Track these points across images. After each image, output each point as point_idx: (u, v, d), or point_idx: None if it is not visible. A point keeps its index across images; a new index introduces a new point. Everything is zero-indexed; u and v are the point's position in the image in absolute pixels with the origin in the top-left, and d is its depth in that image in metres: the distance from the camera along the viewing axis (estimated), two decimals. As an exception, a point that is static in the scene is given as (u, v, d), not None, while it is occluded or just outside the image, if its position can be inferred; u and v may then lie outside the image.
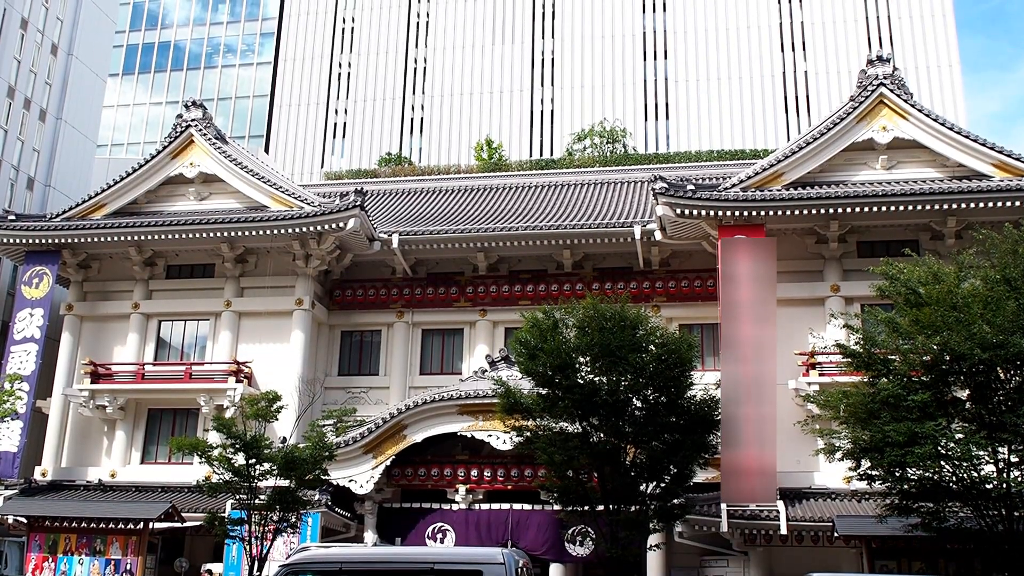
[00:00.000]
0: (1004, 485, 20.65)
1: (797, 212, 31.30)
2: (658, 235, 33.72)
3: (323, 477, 27.93)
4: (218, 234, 35.58)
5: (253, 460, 26.34)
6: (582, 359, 24.48)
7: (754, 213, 31.31)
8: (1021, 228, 22.11)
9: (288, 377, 34.65)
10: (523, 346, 24.87)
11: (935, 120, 32.34)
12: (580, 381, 24.25)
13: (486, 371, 32.10)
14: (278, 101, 77.19)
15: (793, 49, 70.32)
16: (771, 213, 31.34)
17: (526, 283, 37.21)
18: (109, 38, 58.62)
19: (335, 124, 75.84)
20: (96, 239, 36.84)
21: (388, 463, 31.49)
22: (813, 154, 32.50)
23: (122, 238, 36.55)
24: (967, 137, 31.87)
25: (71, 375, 37.79)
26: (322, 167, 72.77)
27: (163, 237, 36.10)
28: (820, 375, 30.50)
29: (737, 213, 31.35)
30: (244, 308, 37.20)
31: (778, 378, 29.89)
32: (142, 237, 36.36)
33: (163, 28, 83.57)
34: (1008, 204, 30.08)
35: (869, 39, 69.16)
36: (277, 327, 36.50)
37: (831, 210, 31.23)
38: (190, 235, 35.81)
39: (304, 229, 35.03)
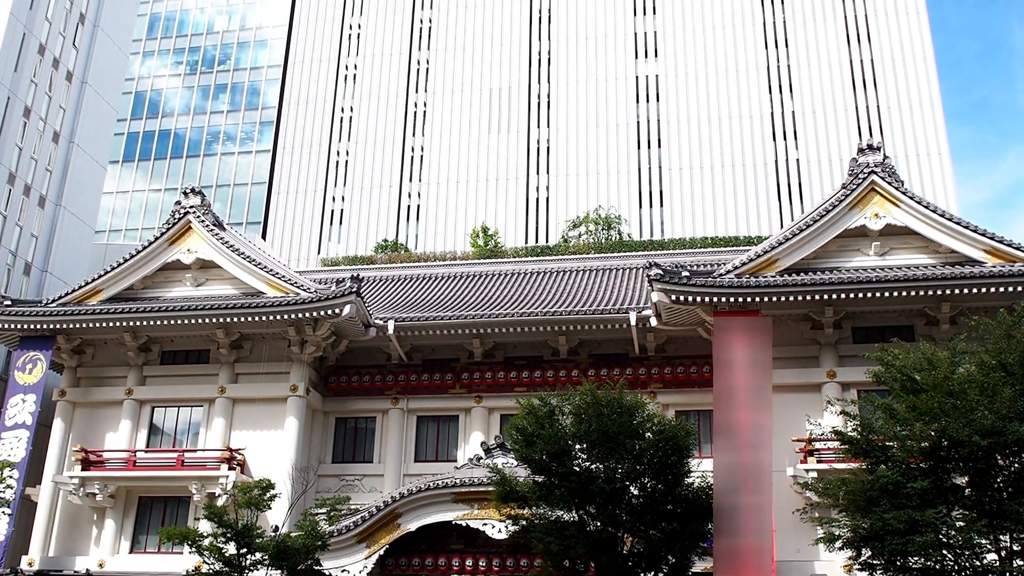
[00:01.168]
0: (1007, 574, 20.33)
1: (792, 298, 31.41)
2: (653, 321, 33.76)
3: (316, 567, 27.42)
4: (214, 320, 35.55)
5: (244, 549, 25.90)
6: (578, 446, 24.29)
7: (749, 299, 31.41)
8: (1014, 313, 22.19)
9: (281, 464, 34.29)
10: (519, 433, 24.69)
11: (926, 207, 32.70)
12: (576, 468, 24.02)
13: (481, 458, 31.76)
14: (276, 188, 78.00)
15: (785, 137, 71.41)
16: (766, 299, 31.44)
17: (522, 370, 37.09)
18: (110, 126, 59.42)
19: (332, 211, 76.50)
20: (91, 325, 36.76)
21: (381, 552, 30.94)
22: (806, 241, 32.76)
23: (117, 324, 36.47)
24: (958, 223, 32.18)
25: (62, 462, 37.36)
26: (319, 253, 73.19)
27: (159, 323, 36.05)
28: (818, 462, 30.22)
29: (732, 299, 31.45)
30: (238, 394, 36.98)
31: (775, 465, 29.62)
32: (138, 323, 36.30)
33: (164, 116, 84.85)
34: (1001, 290, 30.22)
35: (859, 127, 70.33)
36: (271, 413, 36.25)
37: (825, 296, 31.34)
38: (186, 321, 35.76)
39: (300, 315, 35.05)
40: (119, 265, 38.42)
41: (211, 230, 38.19)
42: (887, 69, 71.52)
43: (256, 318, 35.27)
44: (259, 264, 37.20)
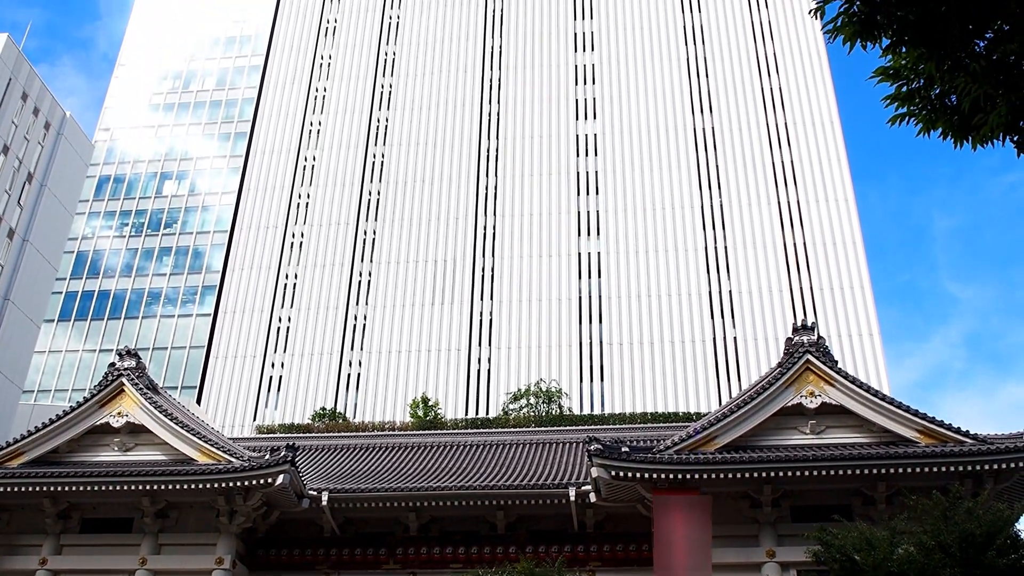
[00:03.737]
0: None
1: (730, 476, 31.30)
2: (593, 497, 33.29)
3: None
4: (140, 487, 34.27)
5: None
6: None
7: (688, 476, 31.24)
8: (949, 494, 22.29)
9: (201, 643, 32.43)
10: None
11: (860, 387, 33.25)
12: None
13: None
14: (215, 352, 77.13)
15: (723, 315, 72.94)
16: (705, 476, 31.28)
17: (458, 545, 36.07)
18: (49, 285, 59.03)
19: (271, 377, 75.62)
20: (8, 489, 35.19)
21: None
22: (744, 418, 32.95)
23: (37, 488, 34.95)
24: (892, 403, 32.70)
25: (-37, 638, 35.00)
26: (255, 420, 71.79)
27: (82, 488, 34.63)
28: (760, 647, 29.40)
29: (671, 476, 31.25)
30: (160, 566, 35.29)
31: (717, 650, 28.74)
32: (59, 488, 34.84)
33: (105, 277, 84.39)
34: (935, 470, 30.46)
35: (794, 307, 72.22)
36: (194, 587, 34.54)
37: (763, 474, 31.29)
38: (111, 487, 34.41)
39: (231, 484, 33.97)
40: (45, 427, 37.19)
41: (145, 394, 37.34)
42: (819, 252, 74.19)
43: (185, 486, 34.09)
44: (191, 430, 36.27)
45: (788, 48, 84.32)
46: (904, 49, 9.24)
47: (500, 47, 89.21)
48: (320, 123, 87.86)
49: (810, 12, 9.72)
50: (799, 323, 35.63)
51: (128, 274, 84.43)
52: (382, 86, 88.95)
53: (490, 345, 74.28)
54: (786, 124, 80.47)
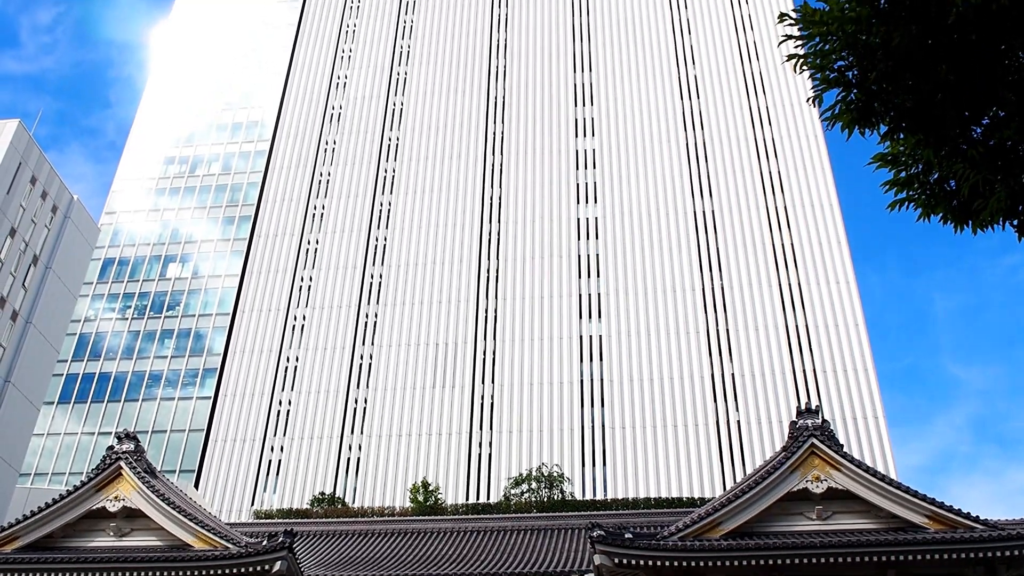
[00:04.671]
0: None
1: (735, 563, 30.75)
2: (596, 584, 32.66)
3: None
4: (134, 574, 33.67)
5: None
6: None
7: (692, 563, 30.69)
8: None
9: None
10: None
11: (867, 471, 32.86)
12: None
13: None
14: (214, 435, 76.59)
15: (726, 399, 72.54)
16: (709, 563, 30.74)
17: (458, 633, 35.29)
18: (50, 367, 58.88)
19: (270, 461, 74.93)
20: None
21: None
22: (749, 503, 32.51)
23: (27, 574, 34.34)
24: (899, 488, 32.28)
25: None
26: (253, 505, 70.93)
27: (75, 575, 34.04)
28: None
29: (675, 563, 30.71)
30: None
31: None
32: (51, 574, 34.24)
33: (106, 359, 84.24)
34: (946, 556, 29.92)
35: (797, 390, 71.85)
36: None
37: (769, 561, 30.75)
38: (104, 574, 33.82)
39: (227, 571, 33.38)
40: (40, 511, 36.73)
41: (143, 478, 36.96)
42: (821, 334, 74.10)
43: (180, 574, 33.50)
44: (188, 515, 35.80)
45: (787, 133, 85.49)
46: (902, 135, 9.35)
47: (502, 133, 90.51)
48: (324, 206, 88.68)
49: (808, 100, 9.86)
50: (803, 406, 35.40)
51: (129, 356, 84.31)
52: (385, 170, 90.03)
53: (491, 429, 73.75)
54: (786, 207, 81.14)
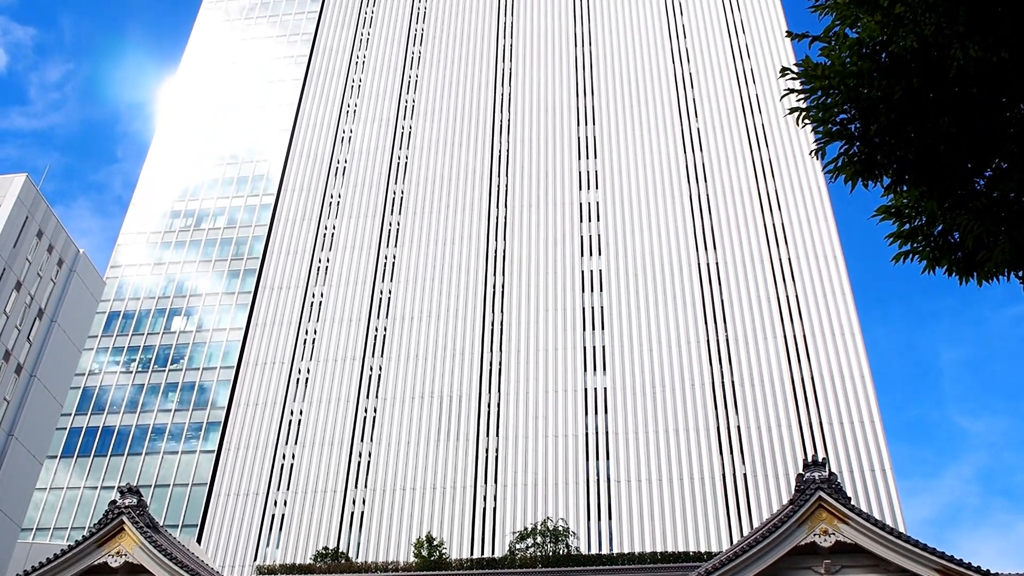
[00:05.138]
0: None
1: (745, 618, 30.36)
2: (603, 640, 32.22)
3: None
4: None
5: None
6: None
7: (701, 619, 30.29)
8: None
9: None
10: None
11: (875, 525, 32.56)
12: None
13: None
14: (217, 490, 76.09)
15: (731, 452, 72.06)
16: (718, 619, 30.34)
17: None
18: (53, 421, 58.70)
19: (273, 515, 74.35)
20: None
21: None
22: (756, 558, 32.17)
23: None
24: (908, 542, 31.95)
25: None
26: (255, 560, 70.24)
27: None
28: None
29: (684, 618, 30.31)
30: None
31: None
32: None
33: (109, 413, 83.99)
34: (957, 614, 29.52)
35: (804, 443, 71.37)
36: None
37: (779, 617, 30.35)
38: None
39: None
40: (41, 567, 36.43)
41: (145, 533, 36.71)
42: (827, 386, 73.78)
43: (182, 629, 33.13)
44: (191, 571, 35.48)
45: (790, 184, 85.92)
46: (905, 188, 9.41)
47: (506, 185, 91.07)
48: (328, 260, 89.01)
49: (811, 153, 9.95)
50: (810, 458, 35.18)
51: (133, 410, 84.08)
52: (390, 224, 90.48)
53: (496, 482, 73.21)
54: (790, 258, 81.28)
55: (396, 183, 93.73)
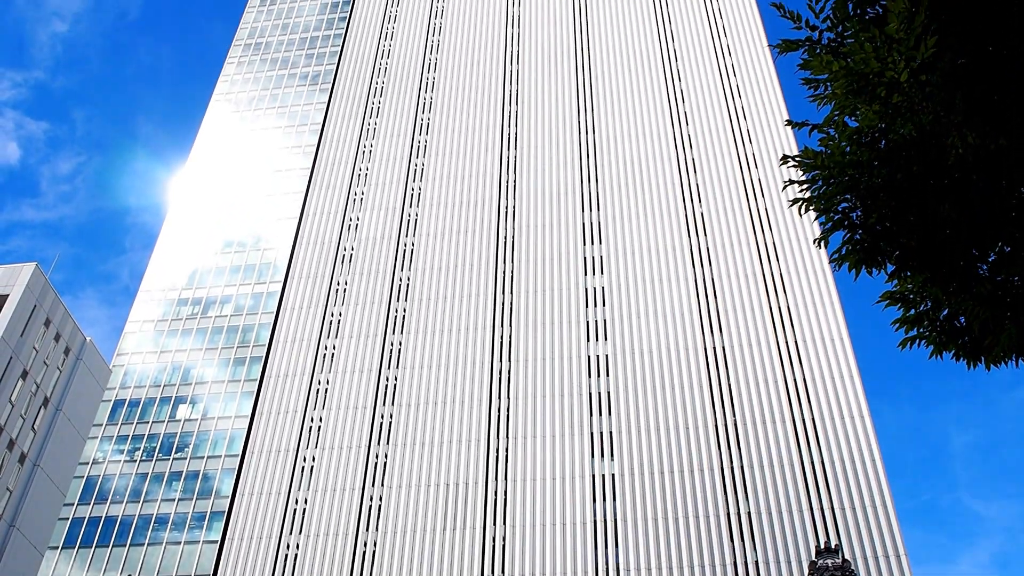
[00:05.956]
0: None
1: None
2: None
3: None
4: None
5: None
6: None
7: None
8: None
9: None
10: None
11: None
12: None
13: None
14: (220, 581, 74.90)
15: (743, 537, 70.93)
16: None
17: None
18: (56, 511, 58.13)
19: (276, 607, 73.02)
20: None
21: None
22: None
23: None
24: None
25: None
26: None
27: None
28: None
29: None
30: None
31: None
32: None
33: (112, 502, 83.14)
34: None
35: (815, 529, 70.24)
36: None
37: None
38: None
39: None
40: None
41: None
42: (838, 471, 72.94)
43: None
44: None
45: (795, 268, 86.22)
46: (909, 273, 9.45)
47: (512, 272, 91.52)
48: (335, 347, 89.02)
49: (814, 241, 10.03)
50: (822, 545, 34.62)
51: (136, 499, 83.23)
52: (396, 310, 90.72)
53: (503, 572, 71.99)
54: (796, 343, 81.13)
55: (403, 270, 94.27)
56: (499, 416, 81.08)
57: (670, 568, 69.96)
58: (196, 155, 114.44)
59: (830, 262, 9.55)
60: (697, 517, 72.25)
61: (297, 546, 75.95)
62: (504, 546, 73.33)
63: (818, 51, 9.64)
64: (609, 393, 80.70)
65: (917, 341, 9.60)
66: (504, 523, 74.62)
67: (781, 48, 9.96)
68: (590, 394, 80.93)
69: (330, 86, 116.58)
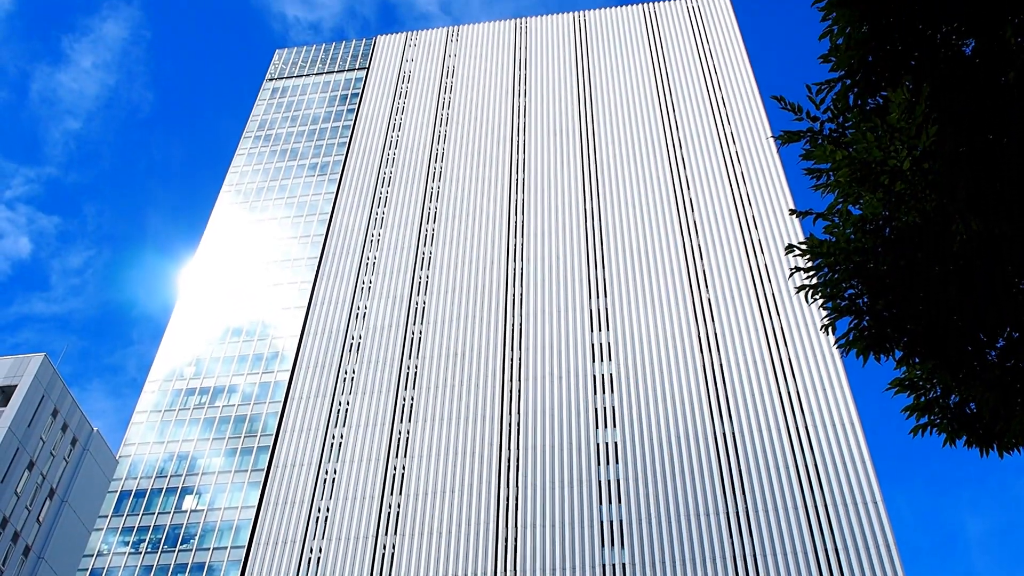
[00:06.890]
0: None
1: None
2: None
3: None
4: None
5: None
6: None
7: None
8: None
9: None
10: None
11: None
12: None
13: None
14: None
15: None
16: None
17: None
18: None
19: None
20: None
21: None
22: None
23: None
24: None
25: None
26: None
27: None
28: None
29: None
30: None
31: None
32: None
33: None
34: None
35: (820, 569, 70.05)
36: None
37: None
38: None
39: None
40: None
41: None
42: (852, 558, 71.86)
43: None
44: None
45: (803, 353, 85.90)
46: (917, 359, 9.43)
47: (520, 359, 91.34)
48: (343, 436, 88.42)
49: (821, 327, 10.04)
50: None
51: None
52: (404, 398, 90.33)
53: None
54: (807, 427, 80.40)
55: (410, 358, 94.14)
56: (508, 504, 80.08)
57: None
58: (205, 245, 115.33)
59: (837, 347, 9.55)
60: (704, 560, 70.82)
61: (303, 641, 74.33)
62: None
63: (820, 141, 9.79)
64: (619, 481, 79.79)
65: (929, 429, 9.53)
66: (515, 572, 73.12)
67: (783, 139, 10.12)
68: (599, 482, 80.00)
69: (338, 176, 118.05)
